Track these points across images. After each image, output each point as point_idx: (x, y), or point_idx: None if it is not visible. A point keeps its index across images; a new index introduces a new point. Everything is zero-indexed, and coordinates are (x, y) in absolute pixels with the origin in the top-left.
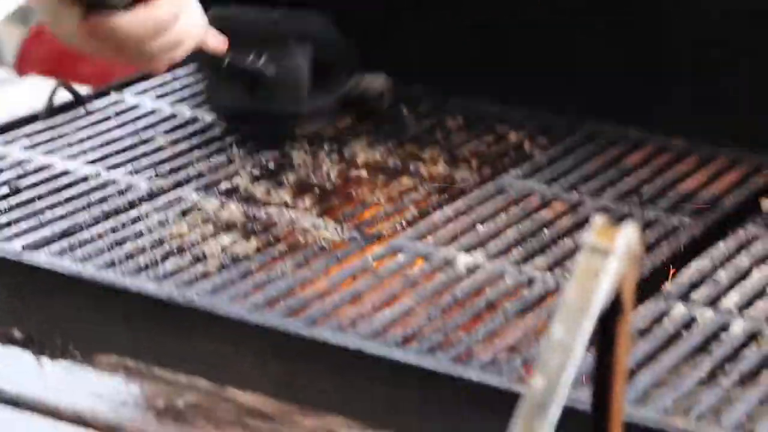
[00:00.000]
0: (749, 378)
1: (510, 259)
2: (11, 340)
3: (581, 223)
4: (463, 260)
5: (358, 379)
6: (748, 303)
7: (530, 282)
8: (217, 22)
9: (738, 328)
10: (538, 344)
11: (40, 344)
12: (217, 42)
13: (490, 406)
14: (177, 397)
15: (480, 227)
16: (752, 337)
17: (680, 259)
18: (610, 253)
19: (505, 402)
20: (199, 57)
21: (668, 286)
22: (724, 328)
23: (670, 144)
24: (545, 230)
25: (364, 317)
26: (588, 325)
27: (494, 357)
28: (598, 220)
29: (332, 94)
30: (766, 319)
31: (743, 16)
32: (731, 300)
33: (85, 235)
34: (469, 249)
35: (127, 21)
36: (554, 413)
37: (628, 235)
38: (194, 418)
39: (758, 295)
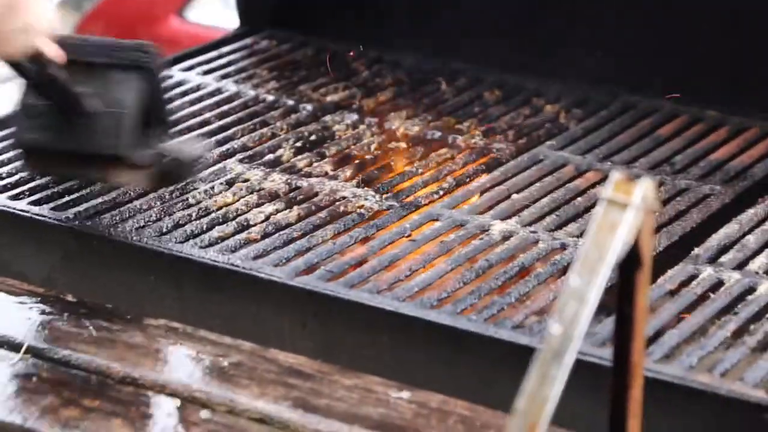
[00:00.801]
0: None
1: (543, 226)
2: (65, 304)
3: None
4: (498, 227)
5: (394, 340)
6: None
7: (563, 247)
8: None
9: (764, 289)
10: None
11: (92, 308)
12: (56, 51)
13: (521, 364)
14: (222, 357)
15: (515, 196)
16: None
17: (710, 225)
18: (627, 205)
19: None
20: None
21: (698, 251)
22: (751, 290)
23: (704, 115)
24: (578, 199)
25: (400, 281)
26: (603, 275)
27: (525, 318)
28: (616, 175)
29: (150, 149)
30: None
31: None
32: (758, 263)
33: (135, 205)
34: (504, 217)
35: None
36: (569, 358)
37: (645, 189)
38: (238, 377)
39: None
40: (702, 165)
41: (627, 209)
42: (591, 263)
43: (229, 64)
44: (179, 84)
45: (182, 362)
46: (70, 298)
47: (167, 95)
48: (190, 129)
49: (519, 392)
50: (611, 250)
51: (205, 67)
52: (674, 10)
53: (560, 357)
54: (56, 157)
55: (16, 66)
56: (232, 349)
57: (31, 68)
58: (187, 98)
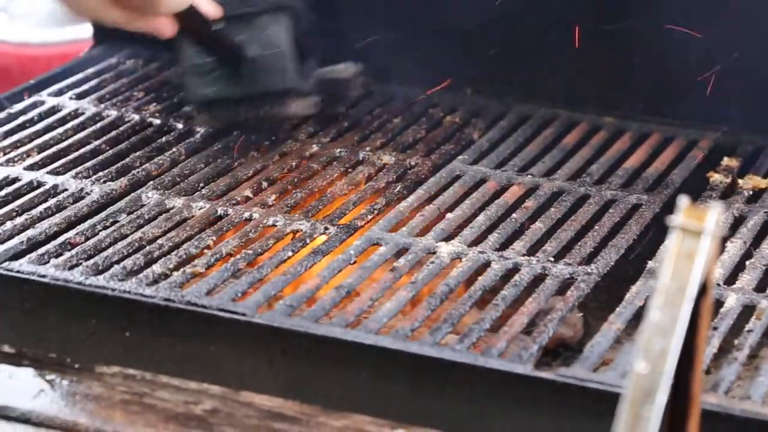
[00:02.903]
0: (757, 350)
1: (489, 246)
2: (3, 356)
3: (545, 206)
4: (445, 249)
5: (373, 375)
6: (732, 277)
7: (517, 268)
8: None
9: (732, 301)
10: (546, 329)
11: (35, 359)
12: (211, 5)
13: (513, 393)
14: (193, 404)
15: (449, 215)
16: (749, 309)
17: (652, 237)
18: (703, 233)
19: (527, 389)
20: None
21: (652, 264)
22: (719, 303)
23: (602, 122)
24: (514, 215)
25: (365, 312)
26: (687, 307)
27: (507, 345)
28: (684, 201)
29: (309, 78)
30: (755, 290)
31: None
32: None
33: (58, 242)
34: (446, 238)
35: None
36: (662, 397)
37: (716, 215)
38: (219, 424)
39: (739, 268)
40: (620, 174)
41: (702, 237)
42: (671, 295)
43: (100, 86)
44: (55, 110)
45: (154, 412)
46: (6, 348)
47: (310, 27)
48: (82, 159)
49: None
50: (691, 281)
51: (76, 91)
52: (566, 16)
53: (652, 396)
54: (232, 106)
55: (181, 23)
56: (201, 394)
57: (192, 25)
58: (69, 125)
